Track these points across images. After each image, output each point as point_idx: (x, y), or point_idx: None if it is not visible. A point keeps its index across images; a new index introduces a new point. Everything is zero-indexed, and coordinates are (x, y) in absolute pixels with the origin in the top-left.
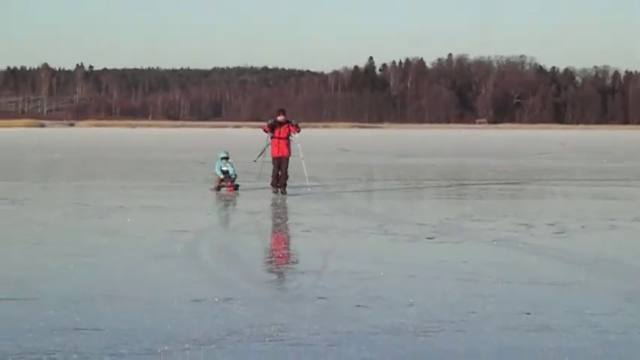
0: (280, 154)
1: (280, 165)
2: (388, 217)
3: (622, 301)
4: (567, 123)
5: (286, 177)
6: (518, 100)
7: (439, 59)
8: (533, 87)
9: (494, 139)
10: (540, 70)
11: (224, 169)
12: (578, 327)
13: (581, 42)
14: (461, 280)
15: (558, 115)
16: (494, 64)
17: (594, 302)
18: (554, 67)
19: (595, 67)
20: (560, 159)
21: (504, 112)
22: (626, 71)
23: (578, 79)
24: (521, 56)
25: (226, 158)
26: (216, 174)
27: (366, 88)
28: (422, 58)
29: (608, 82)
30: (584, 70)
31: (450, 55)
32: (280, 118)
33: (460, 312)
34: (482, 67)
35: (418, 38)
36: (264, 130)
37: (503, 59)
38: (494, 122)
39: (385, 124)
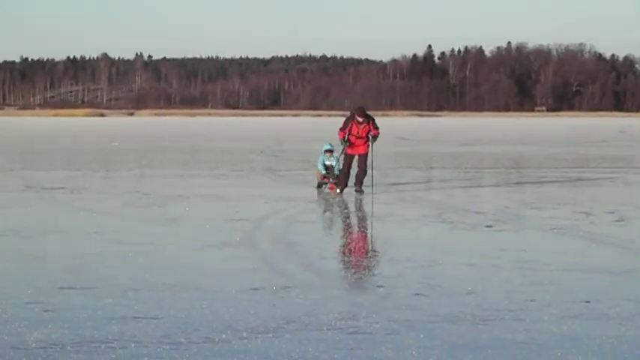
0: (355, 152)
1: (357, 161)
2: (447, 206)
3: None
4: (627, 111)
5: (364, 174)
6: (578, 88)
7: (498, 47)
8: (592, 75)
9: (554, 126)
10: (600, 58)
11: (327, 163)
12: (637, 315)
13: None
14: (520, 268)
15: (618, 103)
16: (554, 52)
17: None
18: (613, 55)
19: None
20: (620, 147)
21: (563, 99)
22: None
23: (638, 66)
24: (581, 44)
25: (331, 151)
26: (318, 170)
27: (425, 76)
28: (481, 47)
29: None
30: None
31: (509, 43)
32: (360, 119)
33: (519, 300)
34: (542, 55)
35: (477, 26)
36: (340, 136)
37: (563, 47)
38: (554, 110)
39: (444, 113)
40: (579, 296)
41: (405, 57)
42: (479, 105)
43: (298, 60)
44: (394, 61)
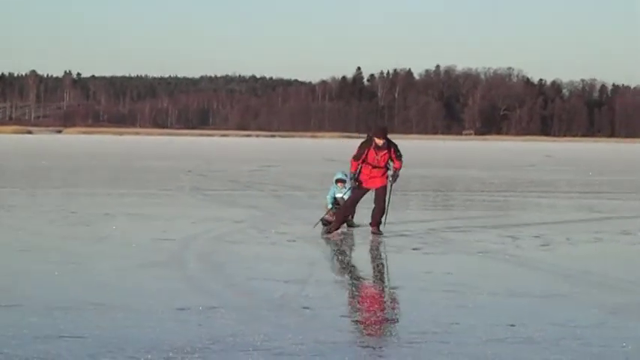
0: (372, 185)
1: (375, 197)
2: None
3: (606, 314)
4: (554, 135)
5: (382, 212)
6: (505, 112)
7: (427, 70)
8: (520, 99)
9: (481, 150)
10: (528, 82)
11: (338, 196)
12: (562, 339)
13: (568, 55)
14: (446, 291)
15: (545, 128)
16: (482, 76)
17: (579, 315)
18: (541, 80)
19: (582, 80)
20: (547, 171)
21: (491, 123)
22: (614, 84)
23: (565, 91)
24: (509, 68)
25: (344, 181)
26: (326, 203)
27: (354, 98)
28: (410, 69)
29: (595, 95)
30: (571, 83)
31: (437, 66)
32: (380, 142)
33: (444, 323)
34: (470, 78)
35: (406, 49)
36: (352, 168)
37: (491, 71)
38: (481, 134)
39: None
40: (504, 320)
41: (334, 78)
42: (407, 128)
43: (227, 80)
44: (323, 83)
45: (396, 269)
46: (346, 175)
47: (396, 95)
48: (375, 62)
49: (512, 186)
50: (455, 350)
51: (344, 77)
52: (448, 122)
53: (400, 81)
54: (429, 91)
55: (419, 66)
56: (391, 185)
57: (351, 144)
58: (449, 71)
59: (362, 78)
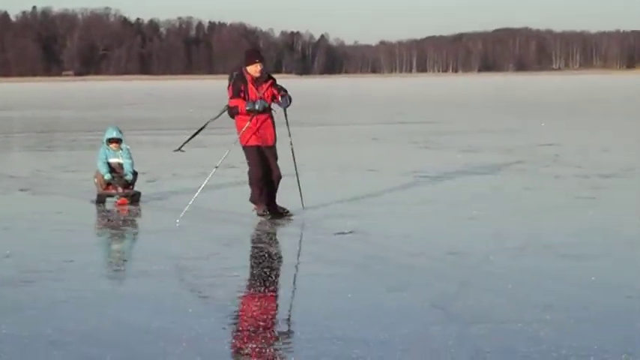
0: (261, 142)
1: (265, 161)
2: None
3: (219, 246)
4: (153, 74)
5: (279, 178)
6: (104, 52)
7: (24, 12)
8: (118, 39)
9: (82, 91)
10: (125, 21)
11: (113, 160)
12: (176, 272)
13: None
14: (58, 230)
15: (144, 67)
16: (79, 17)
17: (190, 248)
18: (138, 19)
19: (179, 18)
20: (148, 109)
21: (90, 63)
22: (210, 22)
23: (162, 30)
24: (106, 8)
25: (117, 141)
26: (97, 171)
27: None
28: (6, 12)
29: (192, 33)
30: (168, 22)
31: (34, 7)
32: (257, 69)
33: (57, 261)
34: (67, 19)
35: None
36: (231, 108)
37: (88, 11)
38: (81, 74)
39: None
40: (117, 256)
41: None
42: (6, 71)
43: None
44: None
45: (7, 210)
46: (121, 132)
47: None
48: None
49: (118, 125)
50: (70, 286)
51: None
52: (47, 64)
53: None
54: (26, 33)
55: (16, 8)
56: (287, 116)
57: None
58: (46, 12)
59: None
